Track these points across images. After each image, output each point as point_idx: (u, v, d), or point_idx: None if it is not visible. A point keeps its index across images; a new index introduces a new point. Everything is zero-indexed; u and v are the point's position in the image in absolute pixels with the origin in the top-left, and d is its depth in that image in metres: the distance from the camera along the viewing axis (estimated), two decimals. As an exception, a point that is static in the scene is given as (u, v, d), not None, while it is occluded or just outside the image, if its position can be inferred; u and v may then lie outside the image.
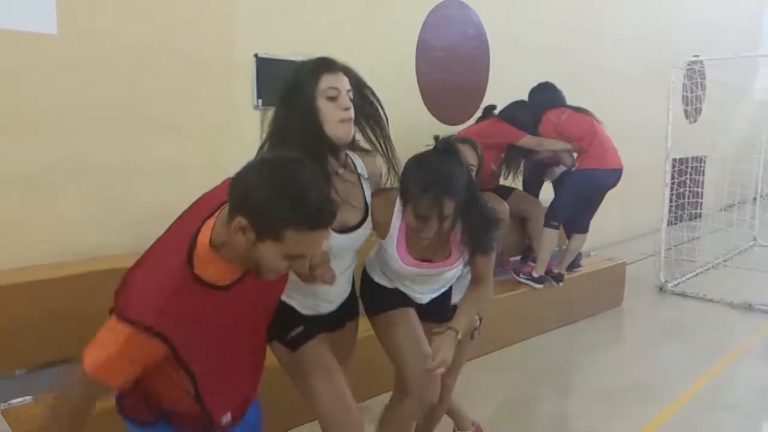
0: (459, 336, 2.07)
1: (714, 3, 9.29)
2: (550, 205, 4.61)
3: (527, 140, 4.34)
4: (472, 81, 5.45)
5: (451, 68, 5.25)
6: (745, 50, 8.72)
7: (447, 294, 2.39)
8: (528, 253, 4.88)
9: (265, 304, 1.67)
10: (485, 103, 5.23)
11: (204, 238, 1.41)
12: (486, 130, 4.32)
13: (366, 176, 2.05)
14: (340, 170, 1.97)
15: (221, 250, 1.39)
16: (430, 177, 1.87)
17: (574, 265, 4.93)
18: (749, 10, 10.66)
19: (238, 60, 3.71)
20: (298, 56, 3.96)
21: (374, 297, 2.27)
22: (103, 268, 2.82)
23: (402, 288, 2.27)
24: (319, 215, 1.32)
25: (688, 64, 7.01)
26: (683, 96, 7.89)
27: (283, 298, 1.88)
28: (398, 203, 2.03)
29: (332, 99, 1.82)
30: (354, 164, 2.04)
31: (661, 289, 5.83)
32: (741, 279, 6.10)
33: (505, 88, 5.09)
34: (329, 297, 2.06)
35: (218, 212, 1.44)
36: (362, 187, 2.03)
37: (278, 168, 1.34)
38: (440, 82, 5.13)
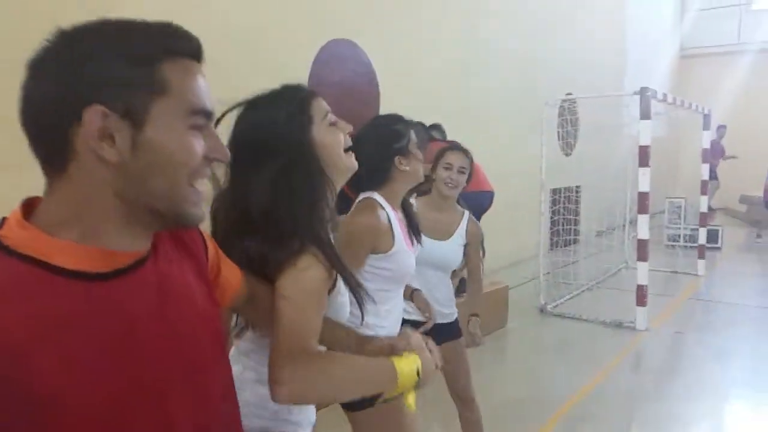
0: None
1: (584, 48, 10.12)
2: None
3: None
4: (364, 116, 5.62)
5: (343, 103, 5.40)
6: (612, 90, 9.55)
7: None
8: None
9: (199, 325, 0.91)
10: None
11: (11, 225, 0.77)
12: None
13: None
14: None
15: (65, 230, 0.77)
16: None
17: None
18: (615, 61, 11.70)
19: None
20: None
21: None
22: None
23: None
24: (182, 32, 0.86)
25: (561, 102, 7.60)
26: (558, 131, 8.52)
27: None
28: (381, 199, 2.04)
29: (333, 124, 1.39)
30: None
31: (542, 310, 6.19)
32: (613, 299, 6.60)
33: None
34: None
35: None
36: None
37: (97, 28, 0.79)
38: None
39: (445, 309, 2.83)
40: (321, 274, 1.23)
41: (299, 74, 4.95)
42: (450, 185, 2.76)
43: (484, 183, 4.95)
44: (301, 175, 1.28)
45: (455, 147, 2.86)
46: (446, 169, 2.76)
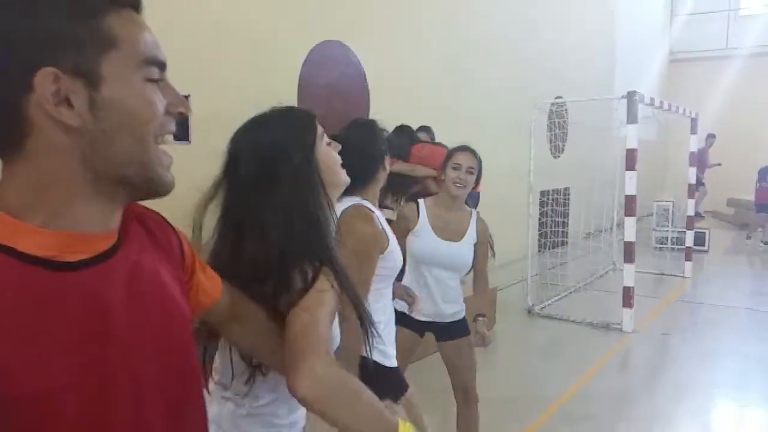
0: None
1: (575, 51, 10.18)
2: None
3: (400, 166, 4.73)
4: (353, 117, 5.66)
5: (333, 104, 5.43)
6: (602, 93, 9.61)
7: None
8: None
9: (171, 319, 0.86)
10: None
11: None
12: None
13: None
14: None
15: (31, 213, 0.72)
16: None
17: None
18: (605, 64, 11.79)
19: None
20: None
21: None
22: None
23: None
24: None
25: (551, 105, 7.65)
26: (547, 134, 8.58)
27: None
28: (369, 204, 2.11)
29: (329, 144, 1.42)
30: None
31: (529, 312, 6.22)
32: (600, 301, 6.65)
33: (384, 123, 5.35)
34: None
35: None
36: None
37: None
38: (322, 117, 5.27)
39: (455, 307, 2.91)
40: (334, 299, 1.22)
41: (290, 75, 4.98)
42: (459, 185, 2.81)
43: None
44: (312, 195, 1.27)
45: (463, 147, 2.91)
46: (455, 169, 2.82)
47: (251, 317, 1.18)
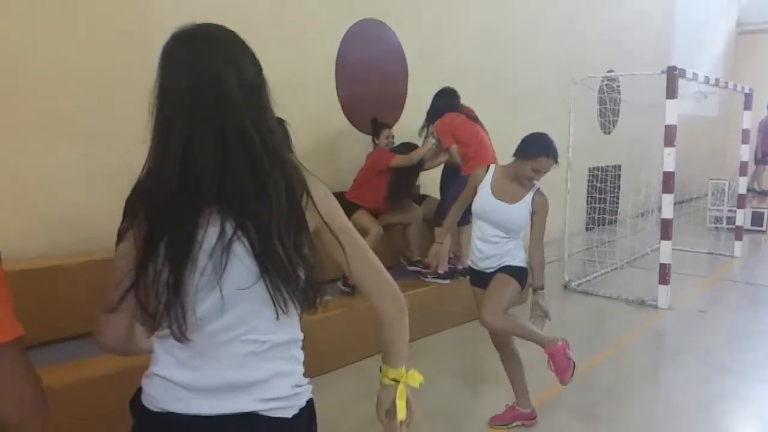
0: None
1: (630, 22, 9.93)
2: (438, 206, 5.10)
3: (397, 161, 4.89)
4: (391, 93, 5.82)
5: (370, 81, 5.58)
6: (659, 67, 9.34)
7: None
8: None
9: None
10: (405, 113, 5.71)
11: None
12: (373, 162, 5.00)
13: None
14: None
15: None
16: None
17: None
18: (663, 36, 11.38)
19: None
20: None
21: None
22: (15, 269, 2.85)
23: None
24: None
25: (603, 80, 7.53)
26: (598, 109, 8.47)
27: None
28: None
29: None
30: None
31: (565, 287, 6.28)
32: (640, 278, 6.61)
33: (423, 99, 5.45)
34: None
35: None
36: None
37: None
38: (360, 94, 5.46)
39: (496, 261, 3.22)
40: None
41: (327, 54, 5.17)
42: (529, 183, 3.12)
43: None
44: None
45: (550, 153, 3.07)
46: (534, 171, 3.06)
47: None
